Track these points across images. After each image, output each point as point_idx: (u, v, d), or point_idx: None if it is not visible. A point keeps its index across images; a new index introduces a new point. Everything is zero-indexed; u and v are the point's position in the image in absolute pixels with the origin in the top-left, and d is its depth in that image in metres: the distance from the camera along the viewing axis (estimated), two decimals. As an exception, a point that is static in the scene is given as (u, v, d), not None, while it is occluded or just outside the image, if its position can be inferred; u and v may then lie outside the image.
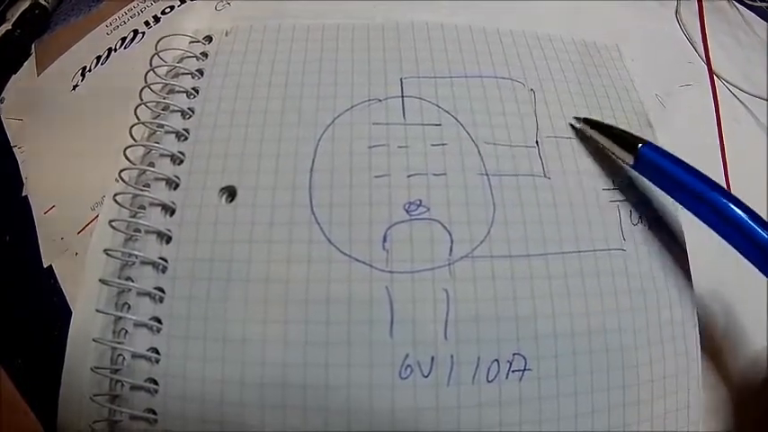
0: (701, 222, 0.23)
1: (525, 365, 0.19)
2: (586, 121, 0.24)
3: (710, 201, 0.20)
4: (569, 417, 0.19)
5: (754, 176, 0.27)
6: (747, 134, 0.29)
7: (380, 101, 0.23)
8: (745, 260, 0.25)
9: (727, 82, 0.31)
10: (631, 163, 0.22)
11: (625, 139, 0.22)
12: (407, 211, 0.21)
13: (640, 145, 0.22)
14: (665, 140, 0.25)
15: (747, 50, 0.34)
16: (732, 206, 0.19)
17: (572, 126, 0.24)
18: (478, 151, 0.22)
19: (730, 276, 0.24)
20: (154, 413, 0.19)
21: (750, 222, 0.19)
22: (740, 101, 0.31)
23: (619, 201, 0.23)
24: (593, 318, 0.20)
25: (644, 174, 0.22)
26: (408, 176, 0.21)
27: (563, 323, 0.20)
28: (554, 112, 0.24)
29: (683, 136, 0.26)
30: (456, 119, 0.23)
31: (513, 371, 0.19)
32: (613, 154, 0.23)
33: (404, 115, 0.23)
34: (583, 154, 0.23)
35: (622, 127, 0.25)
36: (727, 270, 0.24)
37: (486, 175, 0.22)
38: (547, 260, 0.21)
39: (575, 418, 0.20)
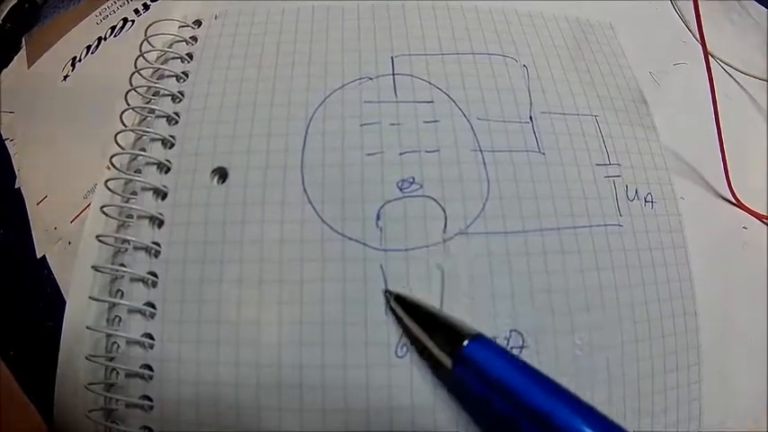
0: (692, 213, 0.23)
1: (522, 342, 0.19)
2: (398, 299, 0.19)
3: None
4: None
5: (746, 151, 0.27)
6: (739, 111, 0.29)
7: (372, 79, 0.23)
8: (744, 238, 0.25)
9: (721, 60, 0.31)
10: (449, 366, 0.17)
11: (444, 332, 0.17)
12: (400, 189, 0.20)
13: (465, 342, 0.16)
14: (661, 117, 0.25)
15: (741, 30, 0.34)
16: None
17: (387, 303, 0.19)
18: (471, 127, 0.22)
19: (727, 253, 0.24)
20: (149, 399, 0.19)
21: None
22: (734, 79, 0.31)
23: (613, 176, 0.23)
24: (590, 294, 0.20)
25: (468, 381, 0.17)
26: (401, 154, 0.21)
27: (560, 300, 0.20)
28: (547, 88, 0.24)
29: (678, 113, 0.26)
30: (448, 95, 0.23)
31: (510, 348, 0.19)
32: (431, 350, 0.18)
33: (395, 93, 0.22)
34: (577, 129, 0.23)
35: (616, 104, 0.25)
36: (724, 246, 0.25)
37: (480, 150, 0.21)
38: (543, 236, 0.21)
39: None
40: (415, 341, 0.18)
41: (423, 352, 0.18)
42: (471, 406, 0.18)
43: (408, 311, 0.18)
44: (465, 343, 0.17)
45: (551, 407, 0.15)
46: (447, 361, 0.17)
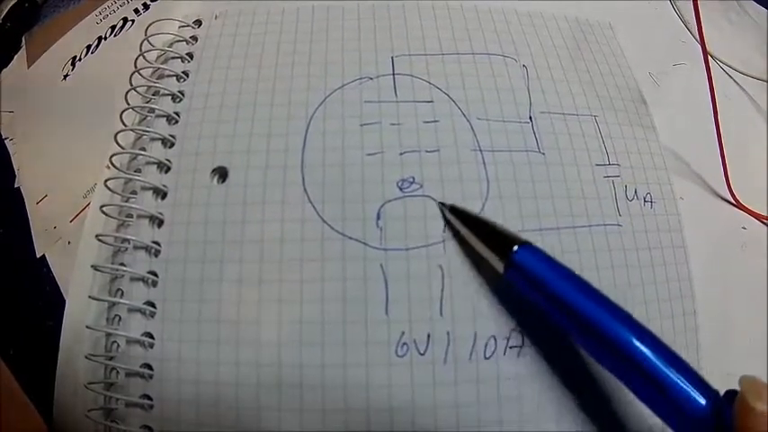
0: (691, 213, 0.23)
1: (523, 342, 0.19)
2: (453, 210, 0.20)
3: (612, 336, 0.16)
4: (568, 394, 0.19)
5: (746, 151, 0.27)
6: (739, 111, 0.29)
7: (372, 79, 0.23)
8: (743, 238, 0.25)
9: (720, 61, 0.31)
10: (501, 272, 0.18)
11: (497, 239, 0.18)
12: (401, 189, 0.20)
13: (516, 247, 0.18)
14: (660, 118, 0.25)
15: (740, 30, 0.34)
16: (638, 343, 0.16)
17: (443, 216, 0.20)
18: (471, 127, 0.22)
19: (727, 253, 0.24)
20: (149, 399, 0.19)
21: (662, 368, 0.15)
22: (733, 79, 0.31)
23: (613, 176, 0.23)
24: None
25: (518, 285, 0.18)
26: (401, 153, 0.21)
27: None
28: (547, 88, 0.24)
29: (677, 113, 0.26)
30: (448, 95, 0.23)
31: (510, 347, 0.19)
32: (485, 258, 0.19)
33: (395, 93, 0.22)
34: (576, 129, 0.23)
35: (616, 104, 0.25)
36: (724, 246, 0.25)
37: (480, 150, 0.21)
38: (542, 235, 0.21)
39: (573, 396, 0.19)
40: (469, 249, 0.20)
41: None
42: (520, 312, 0.19)
43: (463, 221, 0.19)
44: (515, 248, 0.18)
45: (593, 310, 0.16)
46: (499, 265, 0.18)
